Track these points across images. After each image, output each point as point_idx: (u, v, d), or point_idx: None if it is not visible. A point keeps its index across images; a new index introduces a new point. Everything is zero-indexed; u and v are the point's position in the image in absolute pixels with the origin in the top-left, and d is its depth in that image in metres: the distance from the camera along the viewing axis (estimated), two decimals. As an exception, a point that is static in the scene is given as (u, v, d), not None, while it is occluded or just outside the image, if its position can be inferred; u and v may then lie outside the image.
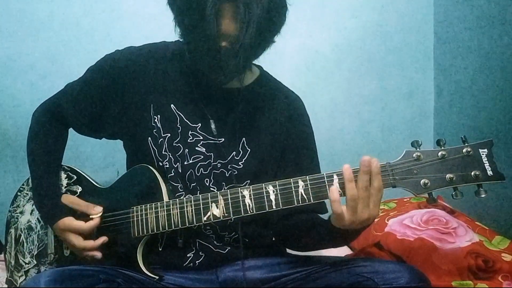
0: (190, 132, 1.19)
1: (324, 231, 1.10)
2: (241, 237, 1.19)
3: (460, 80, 1.90)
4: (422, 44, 2.07)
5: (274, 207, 1.06)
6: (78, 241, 1.17)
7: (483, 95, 1.76)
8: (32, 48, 1.90)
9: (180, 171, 1.18)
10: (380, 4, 2.04)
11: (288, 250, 1.33)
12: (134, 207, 1.15)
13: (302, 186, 1.04)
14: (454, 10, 1.93)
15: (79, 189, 1.28)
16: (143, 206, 1.14)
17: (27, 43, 1.90)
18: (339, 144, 2.05)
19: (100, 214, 1.18)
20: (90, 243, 1.17)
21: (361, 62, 2.06)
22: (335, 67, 2.04)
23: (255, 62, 1.29)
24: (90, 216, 1.19)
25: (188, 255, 1.18)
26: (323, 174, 1.04)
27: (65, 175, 1.31)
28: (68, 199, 1.23)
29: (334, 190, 0.99)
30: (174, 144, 1.18)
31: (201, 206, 1.09)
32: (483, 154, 0.99)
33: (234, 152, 1.20)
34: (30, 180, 1.32)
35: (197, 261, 1.18)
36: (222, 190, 1.11)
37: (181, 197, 1.14)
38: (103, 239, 1.17)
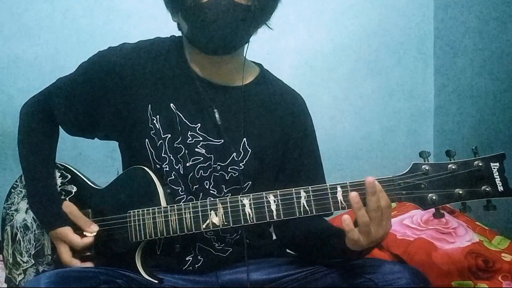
0: (189, 133, 1.16)
1: (337, 247, 1.05)
2: (244, 238, 1.18)
3: (460, 80, 1.90)
4: (422, 44, 2.07)
5: (275, 217, 1.03)
6: (65, 255, 1.16)
7: (483, 95, 1.76)
8: (32, 48, 1.90)
9: (182, 172, 1.15)
10: (380, 4, 2.04)
11: (288, 250, 1.32)
12: (131, 212, 1.13)
13: (305, 197, 1.01)
14: (454, 10, 1.93)
15: (73, 189, 1.25)
16: (140, 210, 1.12)
17: (27, 43, 1.90)
18: (339, 144, 2.05)
19: (95, 234, 1.16)
20: (76, 263, 1.15)
21: (361, 61, 2.06)
22: (335, 67, 2.05)
23: (255, 60, 1.29)
24: (84, 233, 1.16)
25: (187, 259, 1.17)
26: (327, 186, 1.00)
27: (59, 174, 1.27)
28: (69, 208, 1.20)
29: (347, 220, 0.95)
30: (175, 145, 1.16)
31: (200, 213, 1.07)
32: (494, 168, 0.94)
33: (235, 153, 1.17)
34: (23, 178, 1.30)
35: (196, 265, 1.16)
36: (222, 198, 1.08)
37: (182, 201, 1.13)
38: (88, 264, 1.15)
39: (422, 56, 2.08)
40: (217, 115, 1.16)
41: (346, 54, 2.04)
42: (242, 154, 1.17)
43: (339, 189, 0.99)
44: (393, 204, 1.79)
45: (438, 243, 1.48)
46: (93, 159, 1.94)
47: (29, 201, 1.26)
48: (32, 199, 1.24)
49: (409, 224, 1.60)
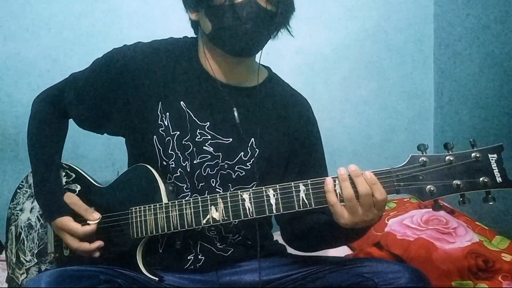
0: (198, 131, 1.17)
1: (328, 229, 1.09)
2: (258, 238, 1.19)
3: (460, 80, 1.90)
4: (422, 44, 2.07)
5: (274, 211, 1.04)
6: (73, 242, 1.17)
7: (483, 95, 1.76)
8: (32, 48, 1.90)
9: (188, 170, 1.16)
10: (380, 4, 2.04)
11: (289, 250, 1.32)
12: (133, 208, 1.14)
13: (303, 191, 1.02)
14: (454, 10, 1.93)
15: (78, 187, 1.27)
16: (142, 207, 1.13)
17: (27, 43, 1.90)
18: (339, 144, 2.04)
19: (98, 221, 1.17)
20: (86, 245, 1.16)
21: (361, 62, 2.05)
22: (335, 67, 2.04)
23: (255, 60, 1.30)
24: (87, 222, 1.18)
25: (188, 258, 1.17)
26: (325, 179, 1.01)
27: (64, 173, 1.29)
28: (70, 199, 1.22)
29: (330, 193, 0.98)
30: (183, 142, 1.17)
31: (200, 209, 1.08)
32: (492, 159, 0.94)
33: (242, 153, 1.18)
34: (29, 177, 1.32)
35: (197, 264, 1.17)
36: (222, 193, 1.09)
37: (187, 198, 1.13)
38: (98, 243, 1.16)
39: (422, 56, 2.08)
40: (236, 115, 1.18)
41: (346, 54, 2.04)
42: (249, 154, 1.18)
43: (337, 182, 0.99)
44: (393, 204, 1.80)
45: (438, 243, 1.48)
46: (93, 158, 1.94)
47: (34, 191, 1.27)
48: (37, 189, 1.26)
49: (409, 224, 1.60)
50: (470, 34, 1.83)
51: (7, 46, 1.90)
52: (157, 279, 1.14)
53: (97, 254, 1.17)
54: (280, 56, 1.95)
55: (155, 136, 1.17)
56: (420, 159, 0.97)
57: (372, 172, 0.98)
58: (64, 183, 1.28)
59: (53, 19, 1.90)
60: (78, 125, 1.32)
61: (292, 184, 1.03)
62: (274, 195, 1.04)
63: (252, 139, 1.19)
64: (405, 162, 0.98)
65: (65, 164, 1.31)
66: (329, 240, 1.17)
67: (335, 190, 0.98)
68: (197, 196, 1.14)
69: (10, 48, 1.90)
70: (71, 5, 1.90)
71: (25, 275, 1.29)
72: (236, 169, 1.17)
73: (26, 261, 1.30)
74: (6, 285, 1.36)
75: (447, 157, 0.96)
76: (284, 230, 1.26)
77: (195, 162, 1.16)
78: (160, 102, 1.18)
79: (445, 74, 2.02)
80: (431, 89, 2.09)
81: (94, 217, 1.18)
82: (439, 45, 2.05)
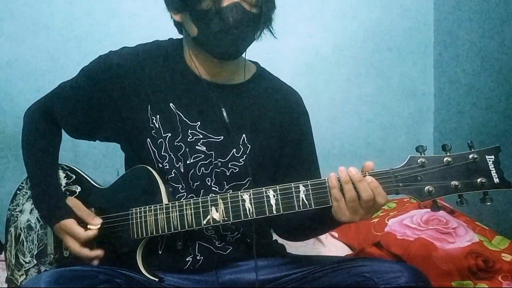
0: (190, 131, 1.18)
1: (317, 220, 1.11)
2: (254, 237, 1.19)
3: (460, 80, 1.90)
4: (422, 44, 2.07)
5: (274, 212, 1.04)
6: (74, 246, 1.17)
7: (483, 95, 1.76)
8: (32, 48, 1.90)
9: (182, 170, 1.17)
10: (380, 4, 2.04)
11: (288, 250, 1.33)
12: (134, 209, 1.14)
13: (303, 191, 1.03)
14: (454, 10, 1.93)
15: (78, 188, 1.27)
16: (142, 208, 1.13)
17: (27, 43, 1.90)
18: (339, 144, 2.05)
19: (98, 226, 1.17)
20: (86, 252, 1.16)
21: (361, 62, 2.06)
22: (335, 67, 2.04)
23: (256, 60, 1.30)
24: (88, 226, 1.17)
25: (187, 259, 1.17)
26: (325, 179, 1.02)
27: (64, 174, 1.30)
28: (72, 202, 1.22)
29: (336, 189, 1.00)
30: (175, 144, 1.17)
31: (201, 209, 1.08)
32: (489, 160, 0.96)
33: (235, 150, 1.19)
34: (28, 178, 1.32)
35: (196, 265, 1.17)
36: (222, 194, 1.10)
37: (182, 198, 1.14)
38: (98, 252, 1.16)
39: (422, 56, 2.08)
40: (225, 114, 1.18)
41: (346, 54, 2.04)
42: (242, 150, 1.19)
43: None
44: (393, 204, 1.80)
45: (438, 243, 1.48)
46: (92, 159, 1.94)
47: (33, 200, 1.27)
48: (37, 197, 1.26)
49: (409, 224, 1.60)
50: (470, 34, 1.83)
51: (7, 46, 1.90)
52: (157, 279, 1.14)
53: (95, 262, 1.17)
54: (280, 56, 1.95)
55: (148, 139, 1.18)
56: (418, 160, 0.98)
57: (371, 173, 0.99)
58: (65, 184, 1.29)
59: (53, 19, 1.90)
60: (70, 135, 1.31)
61: (292, 185, 1.04)
62: (274, 196, 1.05)
63: (244, 135, 1.19)
64: (404, 163, 0.99)
65: (65, 165, 1.31)
66: (317, 230, 1.22)
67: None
68: (193, 196, 1.14)
69: (10, 48, 1.90)
70: (71, 5, 1.91)
71: (24, 276, 1.29)
72: (229, 166, 1.18)
73: (26, 263, 1.30)
74: (6, 285, 1.36)
75: (445, 158, 0.97)
76: (273, 222, 1.27)
77: (188, 162, 1.17)
78: (149, 105, 1.18)
79: (445, 74, 2.02)
80: (431, 89, 2.10)
81: (96, 222, 1.17)
82: (439, 45, 2.05)
